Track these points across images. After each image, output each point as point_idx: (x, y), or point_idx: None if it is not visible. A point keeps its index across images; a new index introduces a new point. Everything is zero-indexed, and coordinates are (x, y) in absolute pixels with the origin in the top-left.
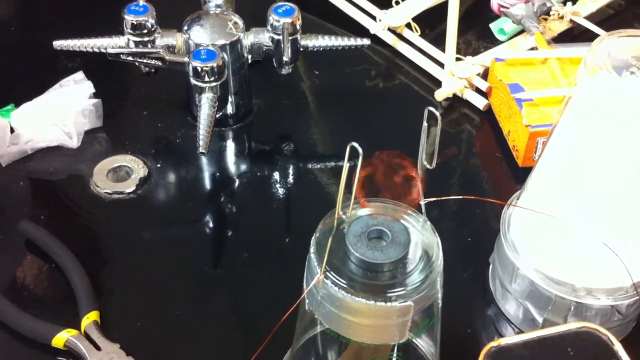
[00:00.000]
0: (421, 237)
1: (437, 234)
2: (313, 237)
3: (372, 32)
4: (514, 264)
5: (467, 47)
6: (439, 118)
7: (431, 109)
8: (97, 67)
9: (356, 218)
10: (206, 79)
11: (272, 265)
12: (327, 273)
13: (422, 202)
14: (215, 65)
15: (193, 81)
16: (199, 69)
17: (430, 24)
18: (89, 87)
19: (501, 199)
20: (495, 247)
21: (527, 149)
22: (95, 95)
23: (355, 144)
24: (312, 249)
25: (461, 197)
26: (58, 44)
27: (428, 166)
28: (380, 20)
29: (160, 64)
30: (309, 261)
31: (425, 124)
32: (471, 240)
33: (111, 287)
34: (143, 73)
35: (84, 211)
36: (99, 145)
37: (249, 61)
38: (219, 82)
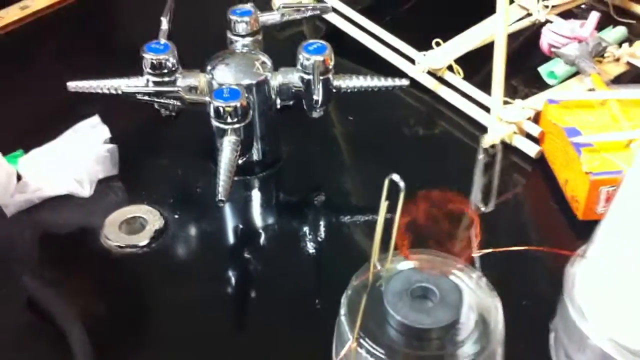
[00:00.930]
0: (475, 297)
1: (496, 294)
2: (344, 296)
3: (410, 75)
4: (582, 332)
5: (513, 93)
6: (499, 148)
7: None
8: (115, 110)
9: (396, 272)
10: (229, 120)
11: (299, 330)
12: (361, 340)
13: (476, 254)
14: (238, 104)
15: (214, 122)
16: (221, 109)
17: (474, 65)
18: (104, 131)
19: (561, 256)
20: (558, 312)
21: (588, 199)
22: (111, 141)
23: (396, 177)
24: (342, 311)
25: (524, 247)
26: (73, 85)
27: (483, 208)
28: (419, 63)
29: (179, 104)
30: (338, 325)
31: (481, 156)
32: (527, 303)
33: (119, 353)
34: (162, 117)
35: (92, 266)
36: (113, 194)
37: (278, 106)
38: (242, 124)
